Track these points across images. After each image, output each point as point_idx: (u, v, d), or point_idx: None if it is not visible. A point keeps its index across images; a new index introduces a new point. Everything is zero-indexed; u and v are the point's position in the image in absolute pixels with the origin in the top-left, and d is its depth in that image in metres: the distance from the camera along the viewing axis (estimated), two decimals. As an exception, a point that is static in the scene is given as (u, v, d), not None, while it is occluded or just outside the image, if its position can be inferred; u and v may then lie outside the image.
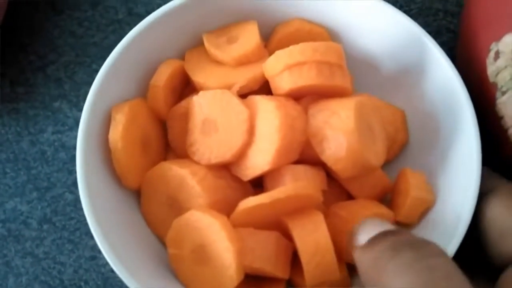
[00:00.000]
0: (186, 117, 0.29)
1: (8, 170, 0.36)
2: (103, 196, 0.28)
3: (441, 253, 0.23)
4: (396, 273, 0.22)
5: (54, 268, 0.35)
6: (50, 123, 0.37)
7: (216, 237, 0.26)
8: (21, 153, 0.37)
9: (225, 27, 0.32)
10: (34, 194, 0.36)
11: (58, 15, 0.39)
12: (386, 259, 0.23)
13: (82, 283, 0.35)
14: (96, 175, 0.28)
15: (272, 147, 0.27)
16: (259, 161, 0.27)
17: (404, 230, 0.26)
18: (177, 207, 0.28)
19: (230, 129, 0.28)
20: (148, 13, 0.31)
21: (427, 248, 0.23)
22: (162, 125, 0.31)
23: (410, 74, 0.32)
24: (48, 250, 0.35)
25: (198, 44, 0.32)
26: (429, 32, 0.31)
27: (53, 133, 0.37)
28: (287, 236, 0.28)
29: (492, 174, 0.29)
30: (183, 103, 0.30)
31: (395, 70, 0.32)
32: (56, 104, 0.38)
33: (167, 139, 0.31)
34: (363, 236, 0.25)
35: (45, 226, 0.35)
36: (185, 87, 0.32)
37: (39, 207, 0.36)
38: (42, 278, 0.34)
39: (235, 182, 0.29)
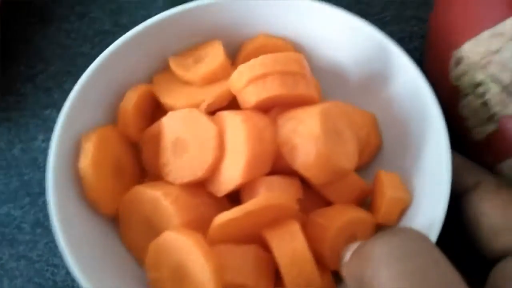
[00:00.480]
0: (158, 139, 0.27)
1: (1, 177, 0.35)
2: (79, 225, 0.26)
3: (423, 237, 0.21)
4: (380, 265, 0.19)
5: (47, 270, 0.33)
6: (40, 130, 0.35)
7: (191, 256, 0.24)
8: (13, 160, 0.35)
9: (192, 48, 0.30)
10: (27, 200, 0.34)
11: (47, 27, 0.38)
12: (367, 255, 0.20)
13: (75, 284, 0.32)
14: (70, 203, 0.26)
15: (242, 160, 0.24)
16: (230, 175, 0.25)
17: None
18: (154, 230, 0.26)
19: (200, 147, 0.25)
20: (134, 23, 0.29)
21: (406, 233, 0.21)
22: (136, 149, 0.29)
23: (378, 80, 0.30)
24: (41, 253, 0.33)
25: (166, 68, 0.30)
26: (403, 38, 0.29)
27: (43, 140, 0.35)
28: (268, 248, 0.25)
29: (475, 167, 0.27)
30: (154, 125, 0.27)
31: (364, 77, 0.30)
32: (46, 112, 0.36)
33: (142, 162, 0.28)
34: (348, 254, 0.23)
35: (38, 230, 0.33)
36: (156, 111, 0.29)
37: (32, 212, 0.34)
38: (36, 280, 0.32)
39: (211, 200, 0.26)
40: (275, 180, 0.26)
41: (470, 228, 0.26)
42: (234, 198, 0.26)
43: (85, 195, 0.26)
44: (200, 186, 0.26)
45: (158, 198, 0.25)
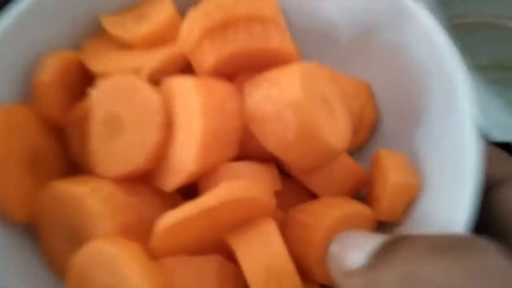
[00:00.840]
0: (88, 120, 0.19)
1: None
2: None
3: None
4: None
5: None
6: None
7: (125, 273, 0.16)
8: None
9: (132, 5, 0.22)
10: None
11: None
12: (433, 281, 0.14)
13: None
14: None
15: (195, 140, 0.17)
16: (181, 161, 0.17)
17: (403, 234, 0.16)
18: (79, 240, 0.18)
19: (140, 126, 0.18)
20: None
21: (489, 251, 0.15)
22: (60, 135, 0.21)
23: (377, 39, 0.22)
24: None
25: (100, 32, 0.22)
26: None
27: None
28: (234, 259, 0.17)
29: (504, 156, 0.20)
30: (83, 103, 0.19)
31: (359, 36, 0.23)
32: None
33: (69, 153, 0.20)
34: (355, 254, 0.16)
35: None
36: (87, 85, 0.20)
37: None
38: None
39: (158, 198, 0.18)
40: (244, 166, 0.18)
41: (498, 230, 0.19)
42: (191, 195, 0.18)
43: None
44: (143, 180, 0.18)
45: (83, 197, 0.17)
